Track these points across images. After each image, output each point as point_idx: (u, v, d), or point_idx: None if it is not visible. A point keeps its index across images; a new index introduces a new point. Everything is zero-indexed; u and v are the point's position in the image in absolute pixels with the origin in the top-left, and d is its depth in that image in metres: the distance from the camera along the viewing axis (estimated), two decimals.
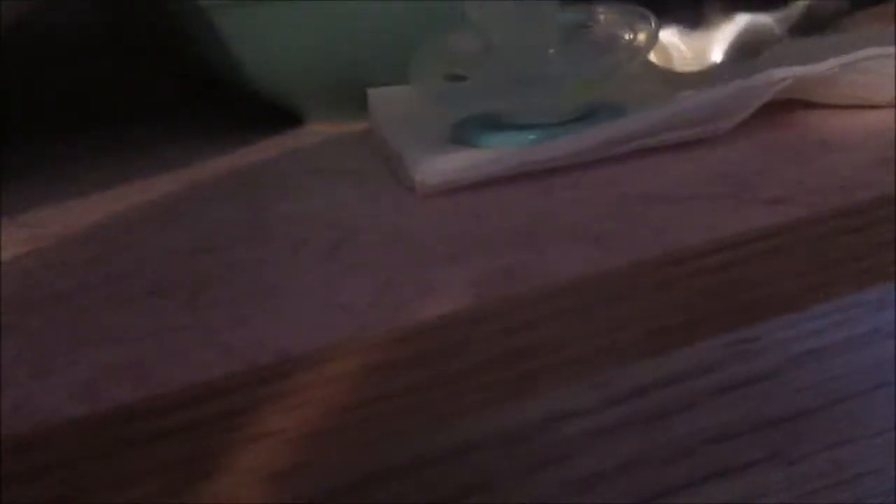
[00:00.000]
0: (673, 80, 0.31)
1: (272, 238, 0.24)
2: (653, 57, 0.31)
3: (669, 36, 0.31)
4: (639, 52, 0.28)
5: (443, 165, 0.26)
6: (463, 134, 0.28)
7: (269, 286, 0.21)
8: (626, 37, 0.28)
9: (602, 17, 0.29)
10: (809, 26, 0.32)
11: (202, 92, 0.41)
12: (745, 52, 0.31)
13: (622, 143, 0.26)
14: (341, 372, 0.16)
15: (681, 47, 0.32)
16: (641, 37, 0.28)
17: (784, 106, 0.27)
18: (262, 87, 0.36)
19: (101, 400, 0.16)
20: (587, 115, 0.28)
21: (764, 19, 0.32)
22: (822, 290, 0.18)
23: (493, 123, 0.28)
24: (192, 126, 0.38)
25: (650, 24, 0.28)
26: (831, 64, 0.26)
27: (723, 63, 0.32)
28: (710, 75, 0.31)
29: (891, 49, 0.27)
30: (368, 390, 0.15)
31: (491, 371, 0.14)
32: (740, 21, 0.31)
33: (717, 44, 0.32)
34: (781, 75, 0.26)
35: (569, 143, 0.26)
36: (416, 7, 0.33)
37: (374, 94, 0.33)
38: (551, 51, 0.28)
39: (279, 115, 0.38)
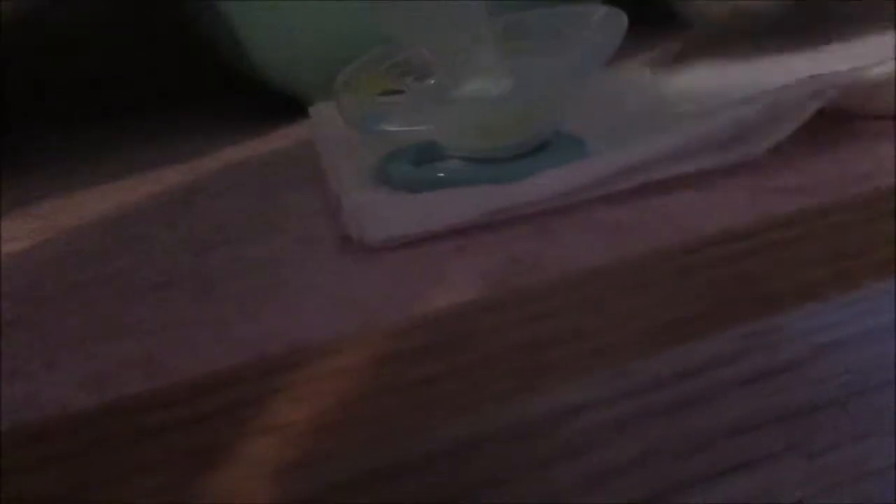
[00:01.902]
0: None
1: (282, 231, 0.24)
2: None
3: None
4: (598, 56, 0.22)
5: (389, 215, 0.21)
6: (390, 169, 0.23)
7: (279, 280, 0.20)
8: (586, 38, 0.23)
9: (551, 17, 0.23)
10: None
11: (212, 82, 0.41)
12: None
13: (623, 177, 0.21)
14: (352, 363, 0.15)
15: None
16: (601, 38, 0.23)
17: None
18: (272, 77, 0.36)
19: (111, 392, 0.16)
20: (541, 148, 0.23)
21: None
22: (843, 280, 0.17)
23: (429, 155, 0.23)
24: (202, 117, 0.38)
25: (615, 23, 0.23)
26: (885, 69, 0.21)
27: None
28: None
29: None
30: (380, 382, 0.14)
31: (504, 362, 0.14)
32: None
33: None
34: (822, 84, 0.21)
35: (555, 180, 0.21)
36: None
37: (315, 111, 0.28)
38: (486, 60, 0.22)
39: (289, 107, 0.38)
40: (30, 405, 0.16)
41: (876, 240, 0.19)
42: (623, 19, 0.23)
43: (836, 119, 0.23)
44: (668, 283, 0.16)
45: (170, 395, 0.15)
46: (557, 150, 0.23)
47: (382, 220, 0.21)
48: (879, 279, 0.18)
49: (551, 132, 0.23)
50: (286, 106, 0.38)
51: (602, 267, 0.17)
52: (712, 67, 0.30)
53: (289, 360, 0.16)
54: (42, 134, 0.38)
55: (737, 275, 0.15)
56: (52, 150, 0.36)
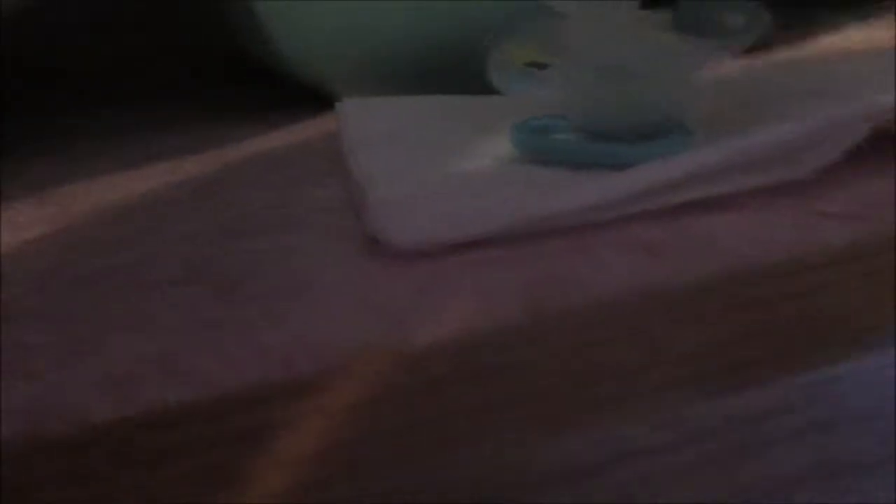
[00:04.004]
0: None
1: (305, 226, 0.23)
2: None
3: None
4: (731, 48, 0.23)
5: (419, 216, 0.20)
6: (524, 138, 0.24)
7: (303, 280, 0.20)
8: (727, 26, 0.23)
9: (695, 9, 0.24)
10: None
11: (232, 71, 0.40)
12: None
13: (663, 193, 0.20)
14: (380, 387, 0.15)
15: None
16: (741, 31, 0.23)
17: None
18: (295, 68, 0.35)
19: (129, 398, 0.15)
20: (655, 135, 0.23)
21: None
22: None
23: (560, 128, 0.24)
24: (221, 106, 0.37)
25: (754, 19, 0.23)
26: None
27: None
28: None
29: None
30: (410, 412, 0.14)
31: (544, 397, 0.13)
32: None
33: None
34: (879, 108, 0.20)
35: (595, 191, 0.20)
36: None
37: (342, 107, 0.27)
38: (630, 45, 0.23)
39: (310, 99, 0.37)
40: (38, 410, 0.15)
41: None
42: (766, 16, 0.24)
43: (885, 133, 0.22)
44: (723, 320, 0.15)
45: (189, 411, 0.14)
46: (669, 139, 0.23)
47: (412, 221, 0.20)
48: None
49: (672, 118, 0.23)
50: (307, 98, 0.37)
51: (647, 294, 0.16)
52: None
53: (314, 379, 0.15)
54: (61, 118, 0.37)
55: (797, 313, 0.15)
56: (72, 134, 0.35)
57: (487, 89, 0.28)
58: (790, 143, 0.20)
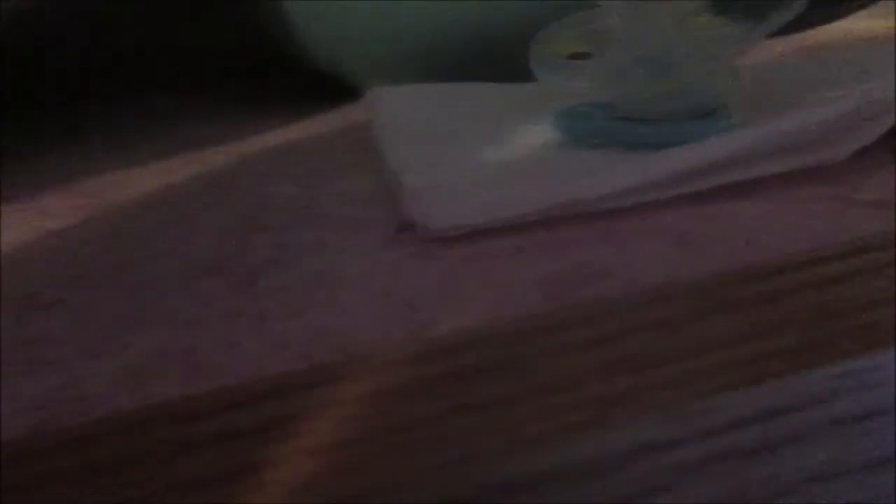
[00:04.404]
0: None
1: (328, 219, 0.23)
2: None
3: None
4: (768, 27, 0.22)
5: (455, 201, 0.20)
6: (566, 124, 0.24)
7: (325, 272, 0.19)
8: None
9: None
10: None
11: (255, 62, 0.40)
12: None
13: (702, 175, 0.20)
14: (402, 379, 0.15)
15: None
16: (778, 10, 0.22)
17: None
18: (319, 58, 0.35)
19: (150, 391, 0.15)
20: (702, 116, 0.23)
21: None
22: None
23: (602, 115, 0.24)
24: (243, 97, 0.37)
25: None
26: None
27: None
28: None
29: None
30: (431, 404, 0.14)
31: (570, 390, 0.13)
32: None
33: None
34: None
35: (632, 174, 0.20)
36: None
37: (374, 94, 0.27)
38: (672, 33, 0.23)
39: (333, 90, 0.37)
40: (60, 399, 0.15)
41: None
42: None
43: None
44: (753, 310, 0.15)
45: (210, 402, 0.14)
46: (712, 120, 0.23)
47: (447, 206, 0.20)
48: None
49: (713, 102, 0.23)
50: (330, 89, 0.37)
51: (676, 284, 0.16)
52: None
53: (336, 371, 0.15)
54: (86, 111, 0.37)
55: (826, 304, 0.14)
56: (97, 126, 0.35)
57: (511, 79, 0.28)
58: (827, 125, 0.20)
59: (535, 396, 0.13)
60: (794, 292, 0.15)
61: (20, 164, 0.31)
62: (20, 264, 0.22)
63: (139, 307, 0.19)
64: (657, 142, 0.22)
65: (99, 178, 0.28)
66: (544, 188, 0.20)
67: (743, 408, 0.12)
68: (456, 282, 0.18)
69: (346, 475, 0.12)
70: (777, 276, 0.16)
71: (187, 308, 0.18)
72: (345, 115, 0.33)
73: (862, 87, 0.22)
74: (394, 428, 0.13)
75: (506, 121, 0.26)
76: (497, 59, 0.33)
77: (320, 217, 0.23)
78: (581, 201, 0.20)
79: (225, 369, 0.16)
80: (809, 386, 0.12)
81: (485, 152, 0.24)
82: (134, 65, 0.40)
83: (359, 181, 0.25)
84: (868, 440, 0.12)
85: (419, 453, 0.12)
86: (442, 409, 0.13)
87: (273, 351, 0.16)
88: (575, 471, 0.12)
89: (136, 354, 0.17)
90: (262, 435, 0.13)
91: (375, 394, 0.14)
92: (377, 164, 0.26)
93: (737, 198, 0.20)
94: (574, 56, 0.25)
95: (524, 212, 0.20)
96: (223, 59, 0.41)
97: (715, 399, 0.12)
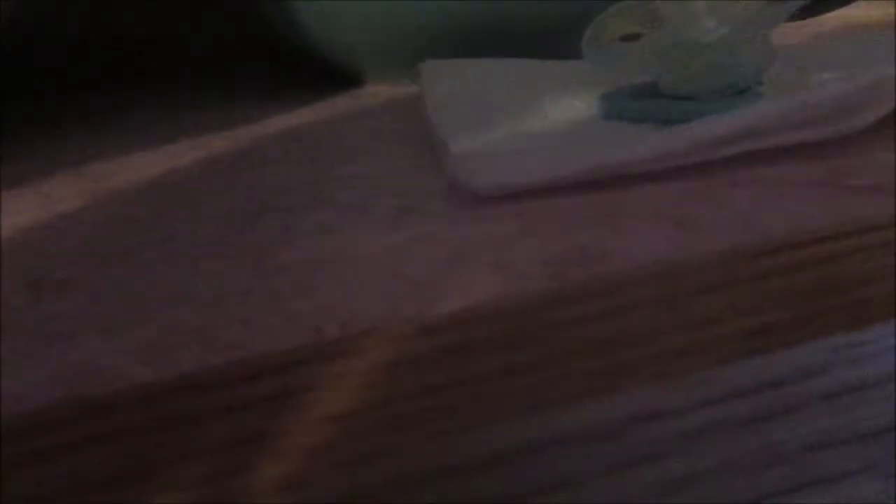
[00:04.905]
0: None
1: (334, 203, 0.23)
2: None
3: None
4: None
5: (498, 165, 0.22)
6: (608, 102, 0.26)
7: (333, 252, 0.20)
8: None
9: None
10: None
11: (259, 48, 0.41)
12: None
13: (726, 144, 0.21)
14: (410, 352, 0.15)
15: None
16: None
17: None
18: (320, 45, 0.35)
19: (167, 364, 0.16)
20: (737, 93, 0.24)
21: None
22: None
23: (645, 94, 0.25)
24: (248, 83, 0.38)
25: None
26: None
27: None
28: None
29: None
30: (440, 375, 0.14)
31: (574, 361, 0.13)
32: None
33: None
34: None
35: (664, 140, 0.21)
36: None
37: (426, 67, 0.29)
38: (704, 13, 0.24)
39: (337, 77, 0.37)
40: (77, 374, 0.15)
41: None
42: None
43: None
44: (747, 287, 0.15)
45: (223, 375, 0.15)
46: (747, 96, 0.24)
47: (489, 168, 0.22)
48: None
49: (748, 78, 0.25)
50: (335, 76, 0.37)
51: (674, 263, 0.16)
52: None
53: (345, 344, 0.15)
54: (96, 95, 0.37)
55: (821, 281, 0.15)
56: (106, 109, 0.36)
57: None
58: (847, 97, 0.21)
59: (539, 367, 0.13)
60: (788, 271, 0.15)
61: (27, 150, 0.31)
62: (30, 246, 0.22)
63: (150, 286, 0.19)
64: (693, 117, 0.23)
65: (106, 162, 0.28)
66: (579, 154, 0.22)
67: (739, 379, 0.13)
68: (460, 262, 0.19)
69: (356, 442, 0.13)
70: (773, 255, 0.16)
71: (198, 287, 0.19)
72: (345, 102, 0.34)
73: (877, 66, 0.22)
74: (401, 397, 0.14)
75: (550, 95, 0.27)
76: (502, 44, 0.33)
77: (326, 201, 0.23)
78: (614, 165, 0.21)
79: (237, 344, 0.16)
80: (803, 359, 0.13)
81: (527, 123, 0.26)
82: (140, 51, 0.40)
83: (364, 166, 0.26)
84: (860, 411, 0.13)
85: (427, 421, 0.13)
86: (448, 379, 0.14)
87: (283, 327, 0.17)
88: (577, 437, 0.12)
89: (150, 330, 0.17)
90: (274, 404, 0.14)
91: (383, 366, 0.14)
92: (379, 151, 0.26)
93: (730, 185, 0.20)
94: (626, 38, 0.26)
95: (560, 175, 0.21)
96: (230, 45, 0.41)
97: (714, 369, 0.13)
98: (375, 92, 0.36)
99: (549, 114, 0.26)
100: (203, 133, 0.31)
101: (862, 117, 0.21)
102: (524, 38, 0.34)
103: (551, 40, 0.34)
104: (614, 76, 0.27)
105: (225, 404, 0.14)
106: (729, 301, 0.15)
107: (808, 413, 0.13)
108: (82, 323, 0.18)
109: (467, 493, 0.12)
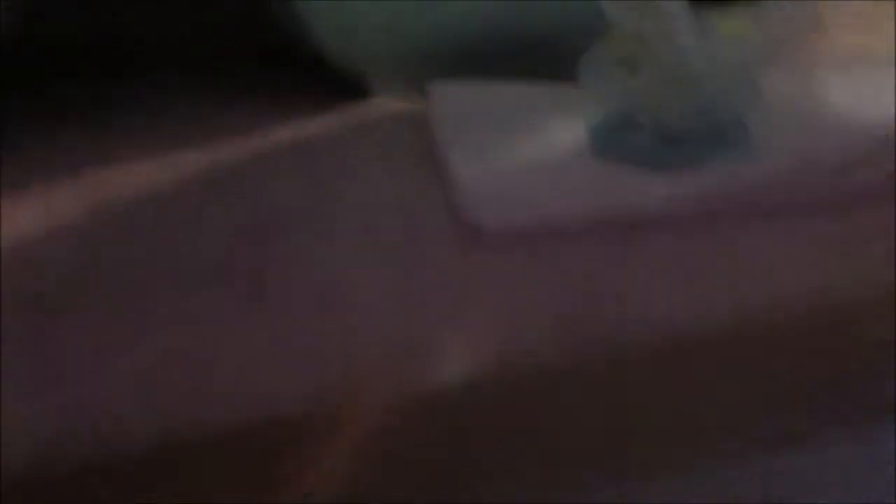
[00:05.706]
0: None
1: (338, 223, 0.23)
2: None
3: None
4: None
5: (505, 202, 0.22)
6: (598, 136, 0.25)
7: (334, 294, 0.19)
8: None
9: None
10: None
11: (264, 56, 0.40)
12: None
13: (737, 195, 0.21)
14: (409, 414, 0.15)
15: None
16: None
17: None
18: (330, 54, 0.35)
19: (159, 402, 0.15)
20: (721, 133, 0.24)
21: None
22: None
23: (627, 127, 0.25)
24: (258, 92, 0.37)
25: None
26: None
27: None
28: None
29: None
30: (428, 443, 0.14)
31: (583, 440, 0.13)
32: None
33: None
34: None
35: (662, 191, 0.21)
36: None
37: (435, 89, 0.29)
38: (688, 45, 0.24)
39: (341, 88, 0.37)
40: (76, 413, 0.15)
41: None
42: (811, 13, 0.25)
43: None
44: (778, 359, 0.14)
45: (222, 432, 0.14)
46: (730, 141, 0.24)
47: (501, 203, 0.22)
48: None
49: (733, 118, 0.24)
50: (342, 86, 0.36)
51: (693, 323, 0.15)
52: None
53: (343, 385, 0.15)
54: (95, 104, 0.37)
55: (858, 351, 0.14)
56: (105, 118, 0.35)
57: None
58: (850, 155, 0.21)
59: (543, 444, 0.13)
60: (807, 334, 0.14)
61: (27, 157, 0.30)
62: (27, 262, 0.22)
63: (147, 312, 0.19)
64: (678, 164, 0.23)
65: (108, 171, 0.28)
66: (588, 196, 0.22)
67: (770, 476, 0.12)
68: (466, 306, 0.18)
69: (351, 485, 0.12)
70: (794, 321, 0.15)
71: (198, 316, 0.18)
72: (351, 115, 0.33)
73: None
74: (402, 459, 0.13)
75: (557, 122, 0.27)
76: (511, 67, 0.33)
77: (329, 220, 0.23)
78: (616, 210, 0.21)
79: (234, 387, 0.16)
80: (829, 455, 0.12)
81: (534, 152, 0.26)
82: (145, 59, 0.40)
83: (367, 184, 0.25)
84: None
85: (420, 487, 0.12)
86: (440, 454, 0.13)
87: (284, 372, 0.16)
88: None
89: (145, 360, 0.17)
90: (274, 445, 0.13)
91: (371, 433, 0.14)
92: (386, 168, 0.26)
93: (748, 233, 0.20)
94: (624, 60, 0.26)
95: (568, 216, 0.21)
96: (237, 53, 0.41)
97: (739, 462, 0.12)
98: (382, 104, 0.35)
99: (557, 141, 0.26)
100: (206, 142, 0.30)
101: (882, 169, 0.21)
102: (532, 56, 0.34)
103: (557, 57, 0.33)
104: (608, 107, 0.26)
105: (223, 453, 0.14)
106: (755, 379, 0.14)
107: None
108: (72, 353, 0.17)
109: None
